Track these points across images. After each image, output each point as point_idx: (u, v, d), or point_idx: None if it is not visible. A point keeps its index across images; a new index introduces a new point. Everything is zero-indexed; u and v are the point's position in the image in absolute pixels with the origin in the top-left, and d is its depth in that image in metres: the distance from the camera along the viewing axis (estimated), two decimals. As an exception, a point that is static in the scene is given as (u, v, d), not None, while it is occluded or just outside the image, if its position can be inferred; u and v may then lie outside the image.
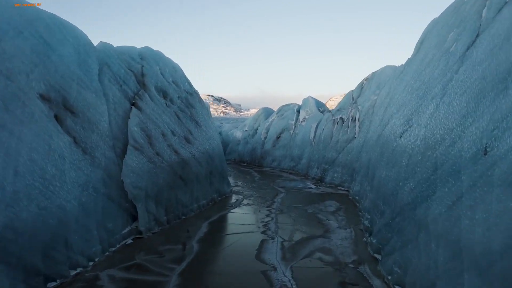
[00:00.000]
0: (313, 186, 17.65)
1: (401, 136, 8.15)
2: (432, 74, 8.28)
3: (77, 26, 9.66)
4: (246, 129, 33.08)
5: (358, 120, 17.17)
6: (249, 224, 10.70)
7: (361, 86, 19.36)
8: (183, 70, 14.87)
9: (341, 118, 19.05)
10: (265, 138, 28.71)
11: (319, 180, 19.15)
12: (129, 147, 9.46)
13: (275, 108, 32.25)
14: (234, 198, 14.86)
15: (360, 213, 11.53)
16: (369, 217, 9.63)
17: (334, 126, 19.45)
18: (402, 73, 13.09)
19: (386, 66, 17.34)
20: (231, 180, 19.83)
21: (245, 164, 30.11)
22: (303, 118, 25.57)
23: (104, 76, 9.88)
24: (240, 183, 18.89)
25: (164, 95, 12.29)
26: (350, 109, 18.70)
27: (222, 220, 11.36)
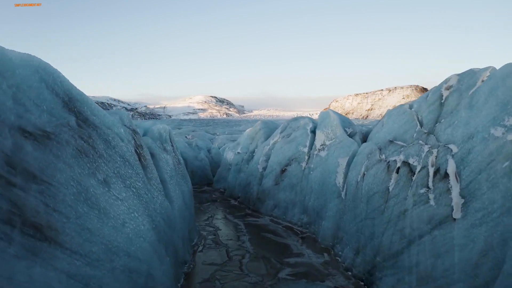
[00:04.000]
0: (355, 310, 8.59)
1: None
2: None
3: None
4: (239, 151, 24.06)
5: (457, 178, 8.02)
6: None
7: (439, 100, 10.17)
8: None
9: (405, 162, 9.91)
10: (264, 169, 19.68)
11: (364, 282, 10.05)
12: None
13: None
14: None
15: None
16: None
17: (390, 175, 10.31)
18: None
19: (518, 62, 8.13)
20: (200, 256, 10.51)
21: (236, 202, 21.26)
22: (321, 145, 16.44)
23: None
24: (210, 281, 9.84)
25: None
26: (423, 148, 9.55)
27: None
